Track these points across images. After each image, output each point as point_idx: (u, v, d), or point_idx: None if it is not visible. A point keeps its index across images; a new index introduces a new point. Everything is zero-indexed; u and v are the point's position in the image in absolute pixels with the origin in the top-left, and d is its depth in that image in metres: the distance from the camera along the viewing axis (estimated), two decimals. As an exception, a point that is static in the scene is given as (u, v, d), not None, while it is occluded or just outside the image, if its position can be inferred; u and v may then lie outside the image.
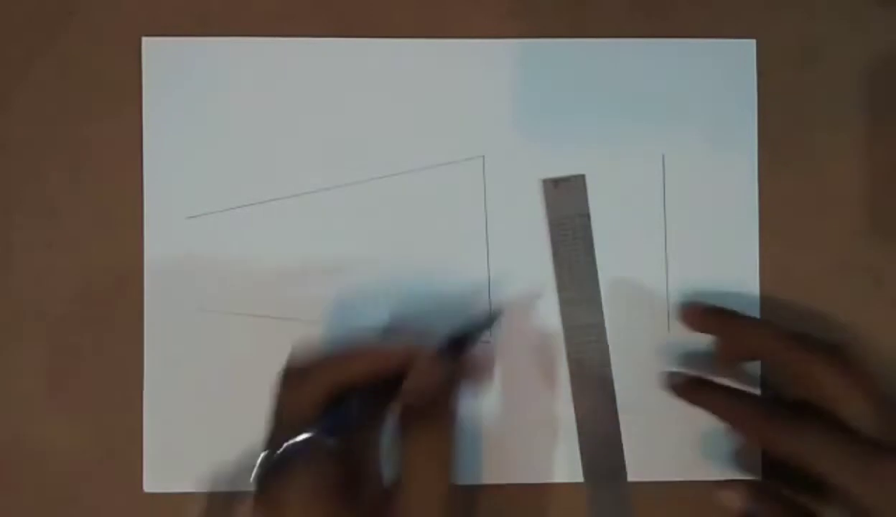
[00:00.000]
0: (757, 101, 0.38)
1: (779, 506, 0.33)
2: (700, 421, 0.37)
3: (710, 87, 0.38)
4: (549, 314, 0.37)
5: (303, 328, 0.37)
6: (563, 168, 0.38)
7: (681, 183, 0.38)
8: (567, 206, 0.37)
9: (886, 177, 0.38)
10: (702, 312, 0.36)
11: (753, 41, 0.38)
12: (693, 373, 0.36)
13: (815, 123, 0.38)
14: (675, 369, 0.37)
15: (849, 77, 0.38)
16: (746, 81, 0.38)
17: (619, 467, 0.37)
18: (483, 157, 0.38)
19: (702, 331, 0.36)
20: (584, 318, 0.37)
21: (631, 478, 0.37)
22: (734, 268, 0.38)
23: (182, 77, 0.37)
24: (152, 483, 0.37)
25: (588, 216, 0.37)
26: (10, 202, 0.37)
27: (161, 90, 0.37)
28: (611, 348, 0.37)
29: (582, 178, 0.37)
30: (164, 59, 0.37)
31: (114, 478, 0.37)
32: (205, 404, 0.37)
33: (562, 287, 0.37)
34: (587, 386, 0.37)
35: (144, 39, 0.37)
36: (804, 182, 0.38)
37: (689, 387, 0.35)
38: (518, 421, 0.37)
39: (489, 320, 0.37)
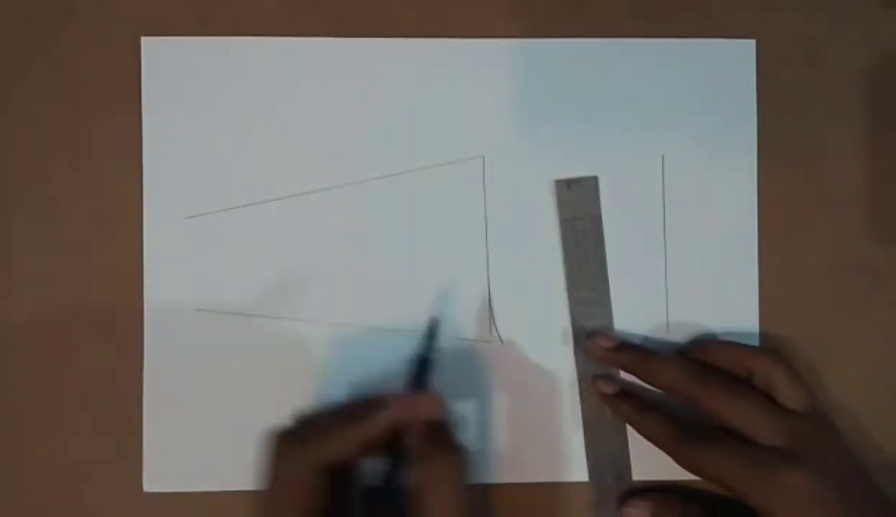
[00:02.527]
0: (757, 101, 0.38)
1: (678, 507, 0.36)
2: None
3: (710, 87, 0.38)
4: (556, 314, 0.37)
5: (302, 328, 0.37)
6: (562, 168, 0.38)
7: (681, 183, 0.38)
8: (579, 207, 0.37)
9: (886, 177, 0.38)
10: (613, 348, 0.36)
11: (753, 41, 0.38)
12: (616, 383, 0.37)
13: (815, 123, 0.38)
14: (604, 373, 0.37)
15: (849, 77, 0.38)
16: (746, 81, 0.38)
17: (625, 468, 0.37)
18: (483, 157, 0.38)
19: (610, 365, 0.37)
20: (593, 319, 0.37)
21: (632, 477, 0.37)
22: (734, 269, 0.38)
23: (181, 77, 0.37)
24: (152, 483, 0.37)
25: (600, 217, 0.37)
26: (10, 202, 0.37)
27: (160, 90, 0.37)
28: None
29: (595, 179, 0.37)
30: (163, 59, 0.37)
31: (114, 478, 0.37)
32: (205, 404, 0.37)
33: (572, 287, 0.37)
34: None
35: (144, 39, 0.37)
36: (804, 182, 0.38)
37: (612, 398, 0.37)
38: (525, 421, 0.37)
39: (430, 334, 0.36)
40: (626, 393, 0.37)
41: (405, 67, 0.38)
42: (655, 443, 0.35)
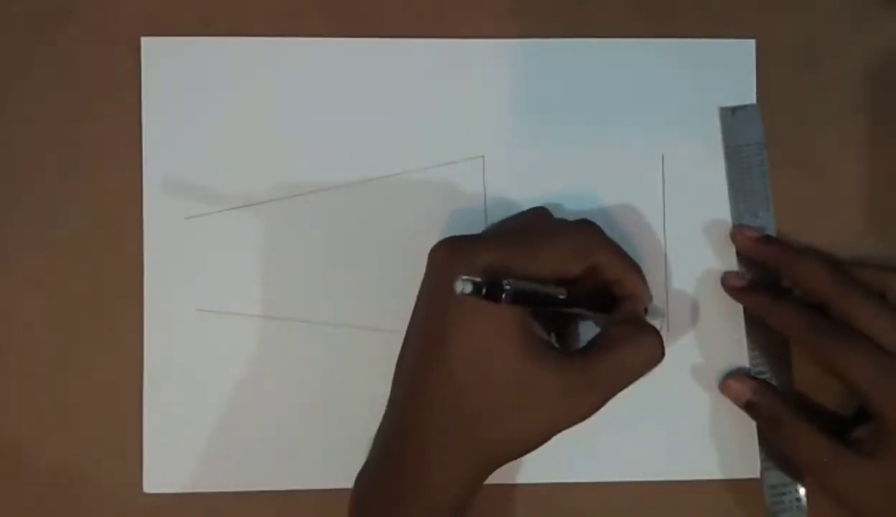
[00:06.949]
0: (757, 101, 0.38)
1: (778, 399, 0.36)
2: (699, 420, 0.37)
3: (710, 87, 0.38)
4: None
5: (302, 328, 0.37)
6: (562, 168, 0.38)
7: (681, 183, 0.38)
8: (743, 134, 0.37)
9: (886, 177, 0.38)
10: (760, 239, 0.37)
11: (753, 41, 0.38)
12: (747, 276, 0.37)
13: (816, 123, 0.38)
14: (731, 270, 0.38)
15: (849, 77, 0.38)
16: (746, 81, 0.38)
17: None
18: (483, 157, 0.38)
19: (752, 257, 0.37)
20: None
21: (629, 478, 0.37)
22: (734, 269, 0.38)
23: (181, 77, 0.37)
24: (152, 483, 0.37)
25: (763, 144, 0.37)
26: (9, 202, 0.37)
27: (160, 90, 0.37)
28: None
29: (755, 106, 0.38)
30: (163, 58, 0.37)
31: (114, 478, 0.37)
32: (205, 404, 0.37)
33: (737, 216, 0.38)
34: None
35: (143, 39, 0.37)
36: (804, 182, 0.38)
37: (741, 289, 0.37)
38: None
39: None
40: (755, 285, 0.37)
41: (405, 67, 0.38)
42: (788, 332, 0.36)
